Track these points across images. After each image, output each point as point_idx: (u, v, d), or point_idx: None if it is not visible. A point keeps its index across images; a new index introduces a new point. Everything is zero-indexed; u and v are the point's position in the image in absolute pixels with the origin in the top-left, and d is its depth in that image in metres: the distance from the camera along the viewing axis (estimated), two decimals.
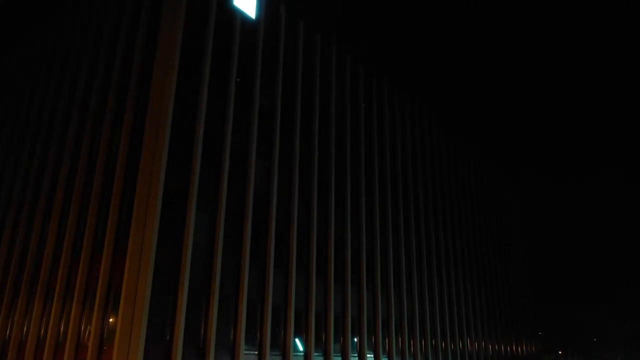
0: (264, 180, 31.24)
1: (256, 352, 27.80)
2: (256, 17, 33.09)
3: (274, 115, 32.86)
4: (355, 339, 35.64)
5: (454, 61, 58.98)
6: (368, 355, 35.94)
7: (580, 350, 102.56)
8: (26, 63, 41.25)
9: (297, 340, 30.95)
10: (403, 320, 40.65)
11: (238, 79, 30.64)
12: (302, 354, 31.00)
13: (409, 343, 41.10)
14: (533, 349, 70.14)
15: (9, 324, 30.82)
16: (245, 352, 26.88)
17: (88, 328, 25.37)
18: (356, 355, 35.25)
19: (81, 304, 26.24)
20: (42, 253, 30.09)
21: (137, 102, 28.03)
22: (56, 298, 27.44)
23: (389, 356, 38.48)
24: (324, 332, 32.88)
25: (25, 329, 29.41)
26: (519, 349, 64.21)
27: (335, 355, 33.19)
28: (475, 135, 62.52)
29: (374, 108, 43.25)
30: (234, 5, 31.58)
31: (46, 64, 38.05)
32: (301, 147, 34.26)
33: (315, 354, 31.60)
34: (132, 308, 23.34)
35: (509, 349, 60.51)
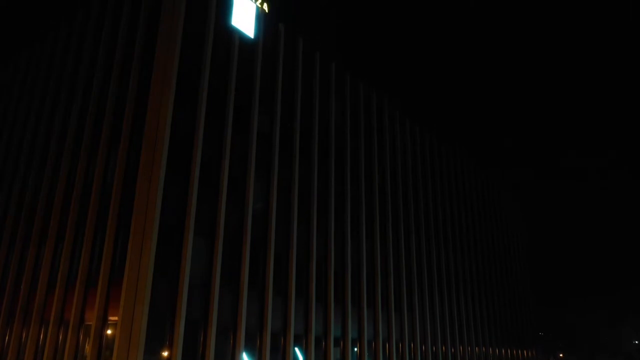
0: (262, 200, 30.73)
1: None
2: (255, 36, 32.62)
3: (273, 135, 32.34)
4: None
5: (453, 74, 58.73)
6: None
7: (581, 354, 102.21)
8: (21, 89, 40.22)
9: None
10: (404, 339, 40.08)
11: (236, 90, 30.10)
12: None
13: None
14: (534, 353, 69.65)
15: (2, 352, 30.17)
16: None
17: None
18: None
19: (76, 335, 25.65)
20: (36, 281, 29.45)
21: (133, 124, 27.48)
22: (51, 327, 26.82)
23: None
24: (324, 356, 32.29)
25: (19, 356, 28.78)
26: (520, 353, 63.70)
27: None
28: (475, 145, 62.14)
29: (374, 124, 42.71)
30: (232, 25, 31.09)
31: (41, 86, 37.24)
32: (300, 168, 33.73)
33: None
34: (127, 340, 22.77)
35: (510, 353, 60.00)
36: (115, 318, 23.98)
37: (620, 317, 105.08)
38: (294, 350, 30.10)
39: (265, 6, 34.38)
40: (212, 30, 29.67)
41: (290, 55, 35.71)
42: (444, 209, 51.03)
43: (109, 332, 24.35)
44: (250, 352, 27.52)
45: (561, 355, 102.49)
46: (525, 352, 65.44)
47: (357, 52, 42.46)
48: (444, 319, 46.47)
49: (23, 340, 28.93)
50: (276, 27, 35.04)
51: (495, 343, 56.44)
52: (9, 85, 41.45)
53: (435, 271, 46.72)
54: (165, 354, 23.77)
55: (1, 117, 40.86)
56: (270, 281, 29.18)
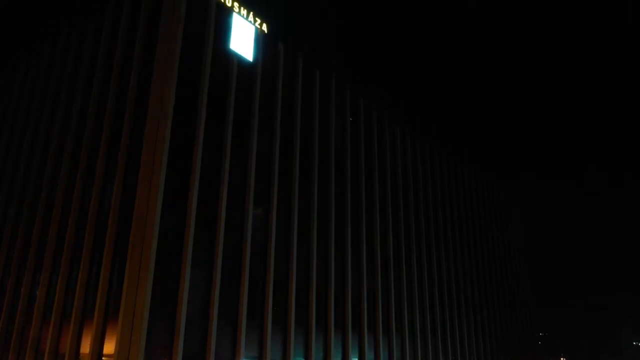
0: (261, 228, 30.26)
1: None
2: (254, 59, 32.10)
3: (272, 158, 31.83)
4: None
5: (452, 83, 58.22)
6: None
7: (582, 355, 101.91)
8: (16, 106, 39.24)
9: None
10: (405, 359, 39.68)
11: (235, 116, 29.62)
12: None
13: None
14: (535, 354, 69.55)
15: None
16: None
17: None
18: None
19: None
20: (30, 314, 28.93)
21: (129, 155, 26.96)
22: None
23: None
24: None
25: None
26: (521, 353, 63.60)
27: None
28: (475, 148, 61.63)
29: (375, 141, 42.13)
30: (230, 50, 30.57)
31: (36, 107, 36.50)
32: (300, 191, 33.22)
33: None
34: None
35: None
36: (111, 352, 23.54)
37: (620, 317, 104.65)
38: None
39: (264, 26, 33.88)
40: (210, 55, 29.17)
41: (289, 74, 35.19)
42: (446, 224, 50.51)
43: None
44: None
45: (562, 358, 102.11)
46: None
47: (357, 65, 42.14)
48: (445, 334, 45.98)
49: None
50: (275, 47, 34.55)
51: (497, 356, 55.99)
52: (6, 101, 40.84)
53: (437, 286, 46.21)
54: None
55: None
56: (269, 310, 28.69)
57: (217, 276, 26.68)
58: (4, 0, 43.34)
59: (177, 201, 26.17)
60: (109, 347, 23.91)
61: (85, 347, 24.91)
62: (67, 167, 30.65)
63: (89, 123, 30.43)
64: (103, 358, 24.00)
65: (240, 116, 30.38)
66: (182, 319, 24.39)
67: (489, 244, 59.67)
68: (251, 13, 32.95)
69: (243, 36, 31.62)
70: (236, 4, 32.03)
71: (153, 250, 24.14)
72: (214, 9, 30.28)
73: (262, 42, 33.13)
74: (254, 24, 32.81)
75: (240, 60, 31.04)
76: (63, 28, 36.37)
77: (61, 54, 35.62)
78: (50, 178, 31.87)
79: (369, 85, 43.61)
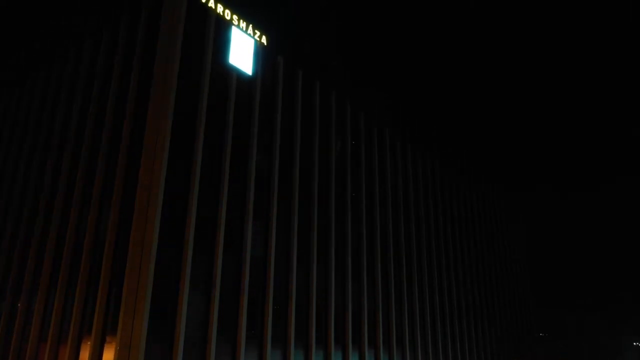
0: (260, 246, 29.83)
1: None
2: (253, 73, 31.65)
3: (272, 173, 31.38)
4: None
5: (453, 97, 57.76)
6: None
7: (582, 356, 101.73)
8: (10, 132, 38.65)
9: None
10: None
11: (234, 133, 29.15)
12: None
13: None
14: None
15: None
16: None
17: None
18: None
19: None
20: (26, 337, 28.42)
21: (125, 177, 26.43)
22: None
23: None
24: None
25: None
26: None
27: None
28: (475, 158, 61.17)
29: (375, 156, 41.66)
30: (229, 64, 30.13)
31: (31, 127, 35.87)
32: (300, 206, 32.77)
33: None
34: None
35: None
36: None
37: (621, 318, 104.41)
38: None
39: (264, 39, 33.43)
40: (209, 70, 28.68)
41: (289, 88, 34.72)
42: (447, 231, 50.16)
43: None
44: None
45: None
46: None
47: (358, 78, 41.69)
48: (446, 344, 45.65)
49: None
50: (275, 60, 34.10)
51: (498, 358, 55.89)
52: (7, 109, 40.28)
53: (437, 295, 45.84)
54: None
55: None
56: (268, 330, 28.27)
57: (215, 296, 26.25)
58: (4, 4, 42.60)
59: (175, 219, 25.72)
60: None
61: None
62: (63, 191, 30.20)
63: (86, 140, 29.92)
64: None
65: (240, 131, 29.92)
66: (181, 340, 23.97)
67: (489, 246, 59.41)
68: (250, 26, 32.49)
69: (242, 50, 31.18)
70: (235, 17, 31.58)
71: (151, 270, 23.72)
72: (213, 23, 29.81)
73: (262, 55, 32.67)
74: (253, 37, 32.36)
75: (239, 74, 30.58)
76: (59, 41, 35.84)
77: (58, 70, 35.04)
78: (44, 206, 31.38)
79: (370, 97, 43.10)
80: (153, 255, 23.91)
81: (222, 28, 30.47)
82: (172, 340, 24.06)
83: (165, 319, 24.40)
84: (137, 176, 25.50)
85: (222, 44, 30.11)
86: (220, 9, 30.62)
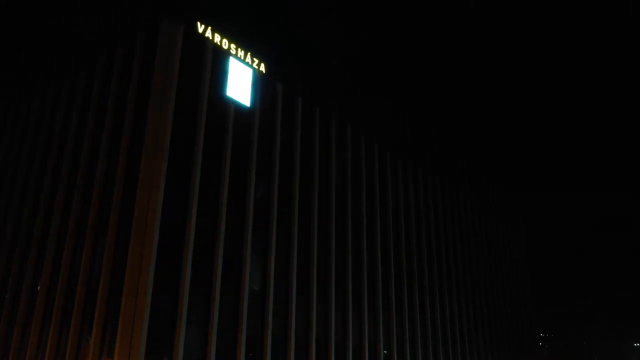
0: (259, 282, 29.25)
1: None
2: (251, 102, 31.10)
3: (270, 209, 30.80)
4: None
5: (453, 115, 57.44)
6: None
7: (582, 356, 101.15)
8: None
9: None
10: None
11: (232, 166, 28.65)
12: None
13: None
14: None
15: None
16: None
17: None
18: None
19: None
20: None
21: (121, 210, 25.88)
22: None
23: None
24: None
25: None
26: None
27: None
28: (476, 163, 60.82)
29: (376, 182, 41.02)
30: (227, 97, 29.64)
31: (26, 163, 35.06)
32: (299, 239, 32.14)
33: None
34: None
35: None
36: None
37: (621, 318, 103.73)
38: None
39: (262, 66, 32.96)
40: (206, 104, 28.15)
41: (288, 116, 34.17)
42: (449, 263, 49.45)
43: None
44: None
45: None
46: None
47: (358, 102, 41.32)
48: None
49: None
50: (274, 87, 33.63)
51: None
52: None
53: (439, 325, 45.15)
54: None
55: None
56: None
57: (212, 334, 25.67)
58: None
59: (172, 256, 25.16)
60: None
61: None
62: (58, 220, 29.68)
63: (80, 178, 29.29)
64: None
65: (238, 165, 29.38)
66: None
67: (489, 249, 59.08)
68: (249, 54, 32.03)
69: (240, 80, 30.65)
70: (233, 46, 31.09)
71: (147, 307, 23.20)
72: (210, 54, 29.31)
73: (260, 83, 32.15)
74: (251, 66, 31.86)
75: (237, 106, 30.04)
76: (52, 71, 35.42)
77: (51, 102, 34.49)
78: (38, 239, 30.84)
79: (370, 121, 42.62)
80: (149, 295, 23.39)
81: (220, 59, 29.95)
82: None
83: (162, 356, 23.90)
84: (133, 212, 24.98)
85: (219, 75, 29.59)
86: (217, 38, 30.12)
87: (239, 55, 31.26)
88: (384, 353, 36.74)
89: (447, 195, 51.90)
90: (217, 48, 29.98)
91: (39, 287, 29.03)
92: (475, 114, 62.35)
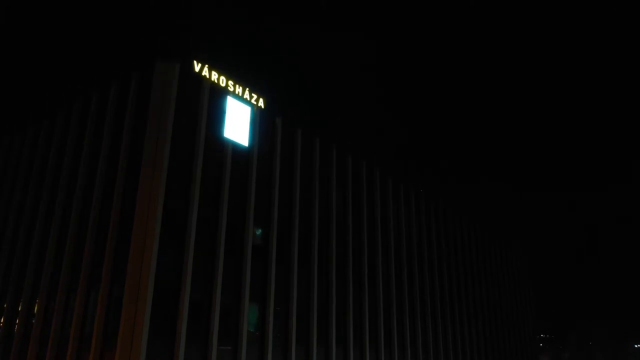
0: (258, 327, 28.33)
1: None
2: (250, 142, 30.20)
3: (269, 251, 29.90)
4: None
5: (455, 142, 57.02)
6: None
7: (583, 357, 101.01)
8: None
9: None
10: None
11: (229, 210, 27.76)
12: None
13: None
14: None
15: None
16: None
17: None
18: None
19: None
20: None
21: (115, 258, 25.02)
22: None
23: None
24: None
25: None
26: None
27: None
28: (477, 182, 60.41)
29: (378, 214, 40.15)
30: (225, 138, 28.75)
31: (20, 193, 34.34)
32: (299, 280, 31.25)
33: None
34: None
35: None
36: None
37: (621, 319, 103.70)
38: None
39: (260, 101, 32.10)
40: (202, 146, 27.27)
41: (288, 149, 33.29)
42: (451, 276, 48.73)
43: None
44: None
45: None
46: None
47: (358, 131, 40.55)
48: None
49: None
50: (273, 121, 32.78)
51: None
52: None
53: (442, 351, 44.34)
54: None
55: None
56: None
57: None
58: None
59: (168, 300, 24.31)
60: None
61: None
62: (50, 265, 28.75)
63: (74, 213, 28.51)
64: None
65: (235, 205, 28.53)
66: None
67: (490, 253, 58.83)
68: (247, 90, 31.18)
69: (238, 119, 29.80)
70: (231, 83, 30.25)
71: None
72: (207, 93, 28.45)
73: (259, 119, 31.29)
74: (249, 103, 31.00)
75: (235, 147, 29.17)
76: (44, 110, 34.56)
77: (44, 140, 33.65)
78: (30, 283, 29.96)
79: (371, 150, 41.79)
80: (144, 338, 22.57)
81: (217, 98, 29.08)
82: None
83: None
84: (128, 255, 24.11)
85: (216, 115, 28.72)
86: (215, 76, 29.27)
87: (236, 92, 30.39)
88: None
89: (449, 218, 51.28)
90: (215, 86, 29.10)
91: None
92: (472, 124, 61.88)
